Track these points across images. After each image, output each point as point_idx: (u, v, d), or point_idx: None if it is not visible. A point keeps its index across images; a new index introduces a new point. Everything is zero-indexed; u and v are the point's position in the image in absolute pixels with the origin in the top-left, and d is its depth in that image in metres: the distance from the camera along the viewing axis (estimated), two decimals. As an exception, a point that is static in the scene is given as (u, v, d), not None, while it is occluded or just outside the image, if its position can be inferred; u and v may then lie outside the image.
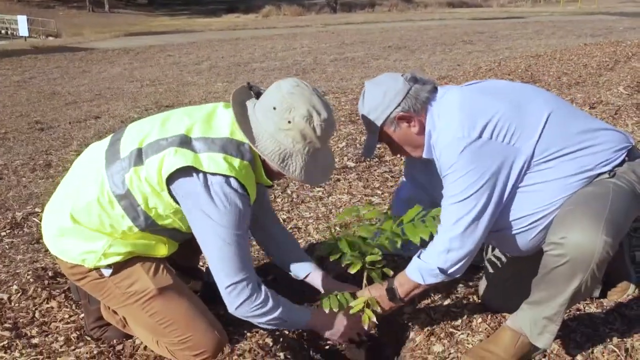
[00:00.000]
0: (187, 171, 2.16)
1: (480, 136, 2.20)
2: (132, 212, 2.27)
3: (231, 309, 2.27)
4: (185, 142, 2.19)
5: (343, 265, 2.47)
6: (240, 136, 2.20)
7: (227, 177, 2.16)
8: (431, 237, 2.34)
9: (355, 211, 2.57)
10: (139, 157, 2.23)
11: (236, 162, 2.19)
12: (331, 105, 7.04)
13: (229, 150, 2.19)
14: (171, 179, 2.18)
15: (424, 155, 2.41)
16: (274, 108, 2.15)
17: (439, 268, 2.31)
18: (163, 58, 13.47)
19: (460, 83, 8.04)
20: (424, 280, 2.37)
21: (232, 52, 13.89)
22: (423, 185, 2.76)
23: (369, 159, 4.86)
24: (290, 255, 2.73)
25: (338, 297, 2.47)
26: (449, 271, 2.32)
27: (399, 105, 2.34)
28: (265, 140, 2.18)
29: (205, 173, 2.15)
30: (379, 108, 2.37)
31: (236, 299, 2.24)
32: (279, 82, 2.23)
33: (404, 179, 2.93)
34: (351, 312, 2.47)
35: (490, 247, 2.79)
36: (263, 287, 2.29)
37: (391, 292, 2.46)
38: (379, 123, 2.38)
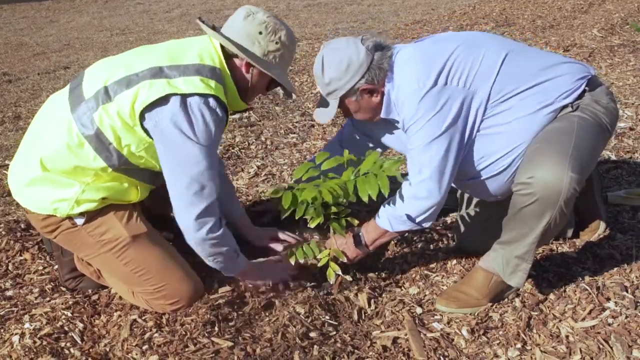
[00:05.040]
0: (164, 99, 2.15)
1: (435, 84, 2.21)
2: (104, 152, 2.23)
3: (197, 236, 2.24)
4: (157, 73, 2.19)
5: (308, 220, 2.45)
6: (209, 62, 2.24)
7: (205, 96, 2.17)
8: (383, 195, 2.31)
9: (311, 166, 2.50)
10: (106, 94, 2.20)
11: (212, 82, 2.21)
12: (305, 51, 6.99)
13: (203, 72, 2.21)
14: (145, 110, 2.16)
15: (382, 115, 2.41)
16: (260, 33, 2.26)
17: (407, 215, 2.32)
18: (133, 6, 13.14)
19: (435, 27, 8.00)
20: (392, 228, 2.39)
21: (204, -1, 13.61)
22: (364, 133, 2.75)
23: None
24: (225, 196, 2.71)
25: (304, 248, 2.48)
26: (417, 219, 2.33)
27: (362, 77, 2.31)
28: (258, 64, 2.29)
29: (182, 95, 2.15)
30: (343, 79, 2.32)
31: (202, 228, 2.23)
32: (246, 11, 2.29)
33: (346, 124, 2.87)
34: (320, 264, 2.49)
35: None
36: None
37: (357, 239, 2.49)
38: (341, 93, 2.35)
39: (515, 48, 2.34)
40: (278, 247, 2.79)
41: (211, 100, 2.18)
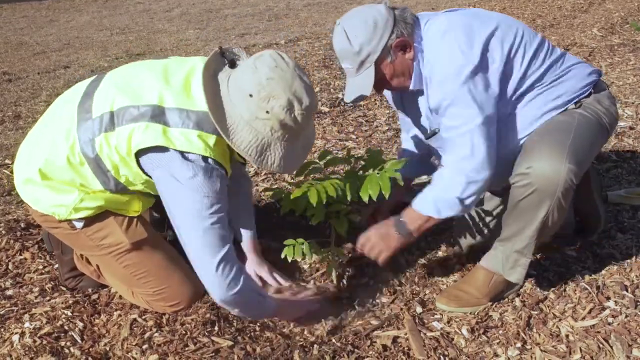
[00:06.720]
0: (158, 147, 2.04)
1: (476, 66, 2.14)
2: (101, 177, 2.19)
3: (223, 294, 2.07)
4: (157, 114, 2.04)
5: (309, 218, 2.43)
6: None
7: (203, 156, 2.04)
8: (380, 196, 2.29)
9: (310, 165, 2.48)
10: (110, 121, 2.10)
11: (211, 139, 2.04)
12: (305, 50, 6.97)
13: (204, 126, 2.03)
14: (141, 152, 2.08)
15: (412, 87, 2.32)
16: (251, 95, 1.96)
17: (458, 198, 2.22)
18: (132, 5, 13.14)
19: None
20: (440, 214, 2.27)
21: (204, -1, 13.62)
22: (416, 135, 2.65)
23: (343, 104, 4.81)
24: (243, 215, 2.63)
25: (295, 247, 2.42)
26: (467, 202, 2.24)
27: (392, 32, 2.21)
28: (242, 129, 2.00)
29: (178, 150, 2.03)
30: (374, 40, 2.20)
31: (226, 278, 2.06)
32: (256, 60, 2.01)
33: (403, 138, 2.81)
34: (323, 262, 2.47)
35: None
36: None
37: (402, 228, 2.33)
38: (375, 56, 2.23)
39: (542, 40, 2.32)
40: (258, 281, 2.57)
41: (209, 160, 2.05)
